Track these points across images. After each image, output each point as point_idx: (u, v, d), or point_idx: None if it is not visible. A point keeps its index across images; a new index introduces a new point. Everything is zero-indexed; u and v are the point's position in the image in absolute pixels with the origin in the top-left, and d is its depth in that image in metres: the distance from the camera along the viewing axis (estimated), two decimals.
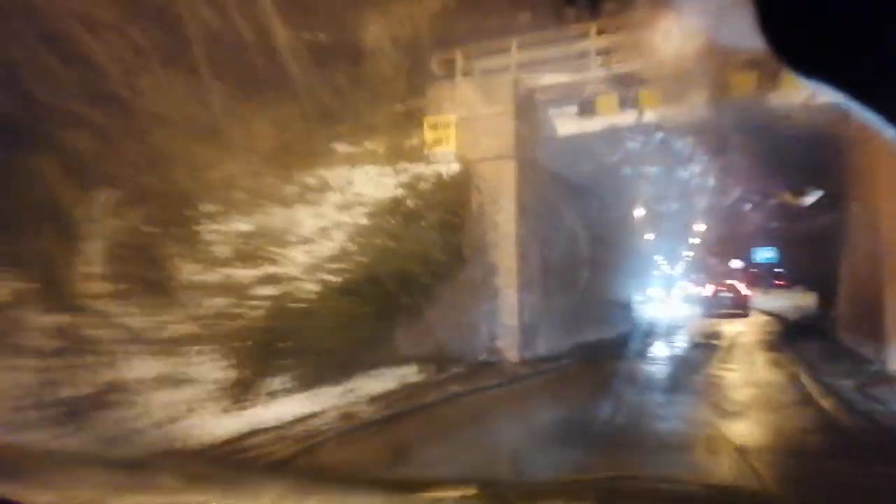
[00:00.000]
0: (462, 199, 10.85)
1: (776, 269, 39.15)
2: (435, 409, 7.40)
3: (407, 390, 8.00)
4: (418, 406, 7.36)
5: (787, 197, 21.74)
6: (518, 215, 11.00)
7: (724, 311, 26.16)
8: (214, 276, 7.83)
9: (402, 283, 9.20)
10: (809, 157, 13.56)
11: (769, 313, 26.16)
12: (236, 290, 7.68)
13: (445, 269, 10.08)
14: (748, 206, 24.91)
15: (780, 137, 11.92)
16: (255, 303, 7.59)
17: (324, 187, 10.48)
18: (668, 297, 38.34)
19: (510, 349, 10.92)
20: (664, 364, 12.39)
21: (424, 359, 9.39)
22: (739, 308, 26.73)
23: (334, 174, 10.73)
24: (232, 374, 6.81)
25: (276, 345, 7.30)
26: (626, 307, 20.60)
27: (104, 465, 3.11)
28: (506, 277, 10.98)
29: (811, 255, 21.89)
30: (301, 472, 4.83)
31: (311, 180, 10.57)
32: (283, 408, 6.72)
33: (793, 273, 36.33)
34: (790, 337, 16.08)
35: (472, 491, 2.17)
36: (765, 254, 36.68)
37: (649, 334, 17.77)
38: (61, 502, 1.84)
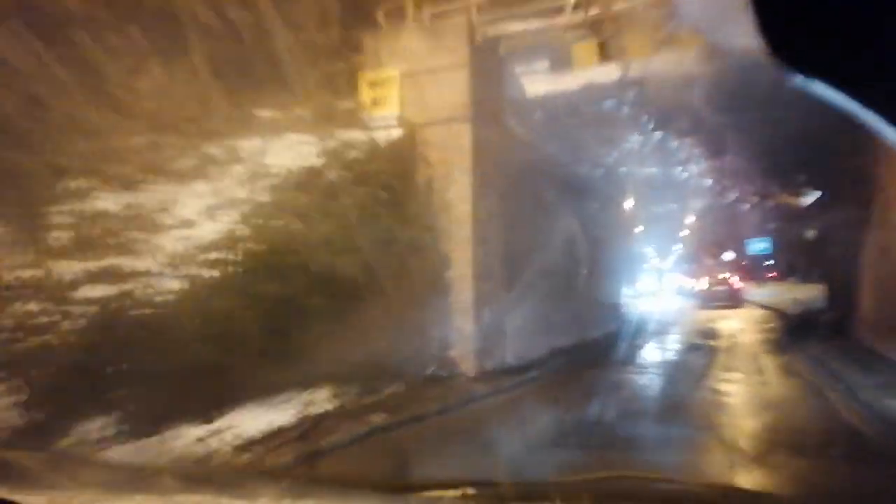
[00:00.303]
0: (404, 171, 8.66)
1: (768, 262, 37.48)
2: (336, 457, 5.23)
3: (307, 425, 5.82)
4: (313, 452, 5.20)
5: (786, 197, 20.67)
6: (475, 192, 8.82)
7: (718, 303, 26.32)
8: (33, 271, 5.60)
9: (317, 279, 7.03)
10: (816, 147, 11.59)
11: (766, 307, 24.24)
12: (59, 291, 5.46)
13: (380, 259, 7.88)
14: (743, 198, 23.28)
15: (787, 129, 9.98)
16: (82, 308, 5.37)
17: (228, 159, 8.25)
18: (658, 291, 36.76)
19: (466, 359, 8.77)
20: (656, 374, 10.27)
21: (349, 377, 7.24)
22: (733, 300, 26.92)
23: (245, 143, 8.51)
24: (26, 415, 4.62)
25: (107, 368, 5.09)
26: (612, 302, 18.52)
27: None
28: (460, 269, 8.81)
29: (818, 248, 20.22)
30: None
31: (212, 150, 8.35)
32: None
33: (789, 264, 34.56)
34: (797, 335, 14.04)
35: (468, 491, 2.16)
36: (758, 245, 34.88)
37: (638, 334, 15.72)
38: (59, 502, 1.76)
